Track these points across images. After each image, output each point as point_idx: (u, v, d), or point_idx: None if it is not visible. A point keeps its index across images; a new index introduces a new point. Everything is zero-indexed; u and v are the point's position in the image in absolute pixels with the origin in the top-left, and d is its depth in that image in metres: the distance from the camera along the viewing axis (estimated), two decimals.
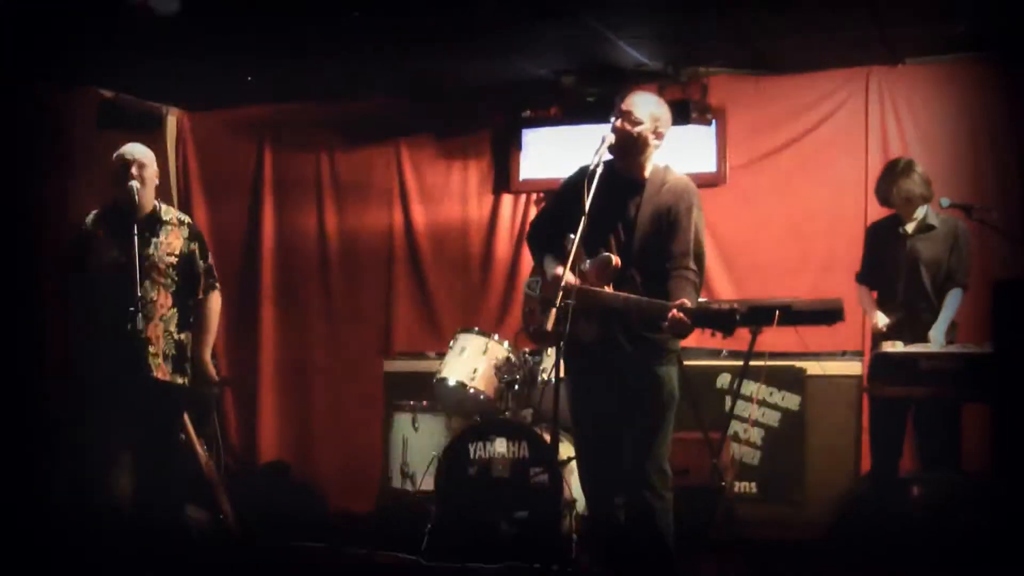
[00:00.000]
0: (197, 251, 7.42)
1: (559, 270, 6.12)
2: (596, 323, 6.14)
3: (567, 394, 6.30)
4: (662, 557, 6.25)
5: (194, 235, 7.46)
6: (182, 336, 7.34)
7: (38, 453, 8.81)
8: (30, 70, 9.31)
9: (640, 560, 6.26)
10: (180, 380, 7.36)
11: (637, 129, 6.17)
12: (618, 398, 6.27)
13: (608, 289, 6.08)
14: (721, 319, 5.82)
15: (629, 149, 6.22)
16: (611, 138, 6.21)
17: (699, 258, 6.23)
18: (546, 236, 6.50)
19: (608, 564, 6.53)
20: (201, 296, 7.52)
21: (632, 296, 6.06)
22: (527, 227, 9.36)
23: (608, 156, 6.19)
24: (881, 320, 7.79)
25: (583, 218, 5.90)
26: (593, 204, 6.01)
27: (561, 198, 6.49)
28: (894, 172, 7.85)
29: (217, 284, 7.63)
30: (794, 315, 7.80)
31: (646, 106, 6.24)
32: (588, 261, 6.11)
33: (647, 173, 6.29)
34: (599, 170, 6.08)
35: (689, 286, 6.08)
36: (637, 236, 6.19)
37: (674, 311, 5.78)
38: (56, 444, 8.58)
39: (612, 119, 6.24)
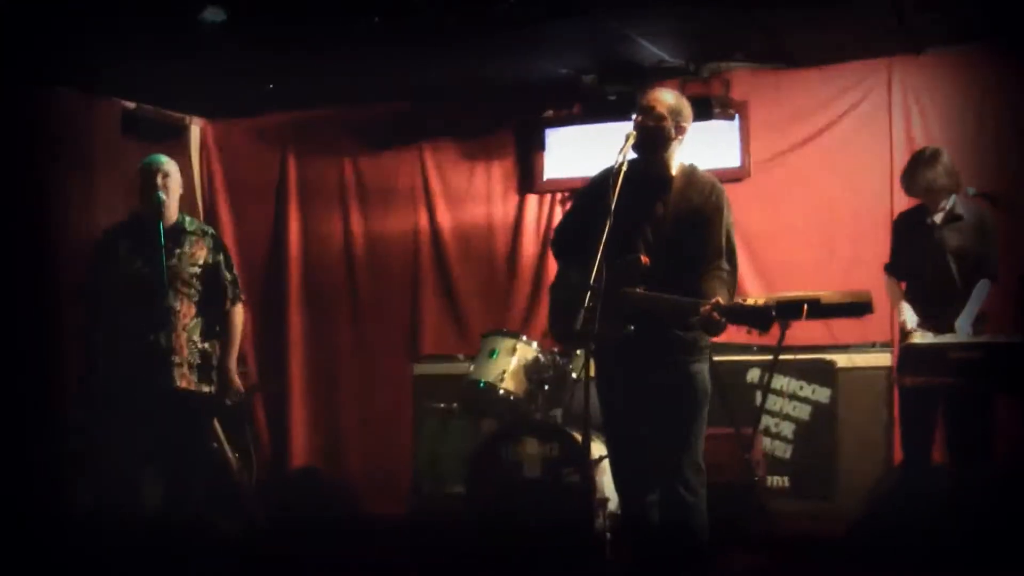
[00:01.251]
0: (222, 262, 7.44)
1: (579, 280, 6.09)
2: (627, 323, 6.10)
3: (598, 394, 6.29)
4: (696, 553, 6.24)
5: (218, 246, 7.49)
6: (206, 345, 7.37)
7: (63, 465, 8.85)
8: (52, 78, 9.37)
9: (674, 557, 6.26)
10: (206, 388, 7.38)
11: (660, 124, 6.16)
12: (650, 396, 6.22)
13: (640, 290, 6.07)
14: (757, 316, 5.79)
15: (652, 145, 6.19)
16: (635, 135, 6.21)
17: (732, 256, 6.21)
18: (570, 241, 6.49)
19: (641, 562, 6.53)
20: (227, 307, 7.54)
21: (664, 295, 6.03)
22: (553, 227, 9.46)
23: (632, 155, 6.18)
24: (910, 321, 7.73)
25: (608, 218, 5.88)
26: (619, 203, 5.97)
27: (586, 199, 6.47)
28: (919, 162, 7.81)
29: (242, 296, 7.66)
30: (823, 308, 7.76)
31: (666, 100, 6.21)
32: (617, 262, 6.09)
33: (673, 171, 6.26)
34: (624, 168, 6.07)
35: (722, 285, 6.05)
36: (665, 234, 6.16)
37: (706, 308, 5.77)
38: (81, 456, 8.61)
39: (634, 116, 6.23)
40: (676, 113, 6.20)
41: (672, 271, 6.12)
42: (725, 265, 6.15)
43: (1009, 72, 8.86)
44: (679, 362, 6.21)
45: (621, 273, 6.07)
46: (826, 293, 7.88)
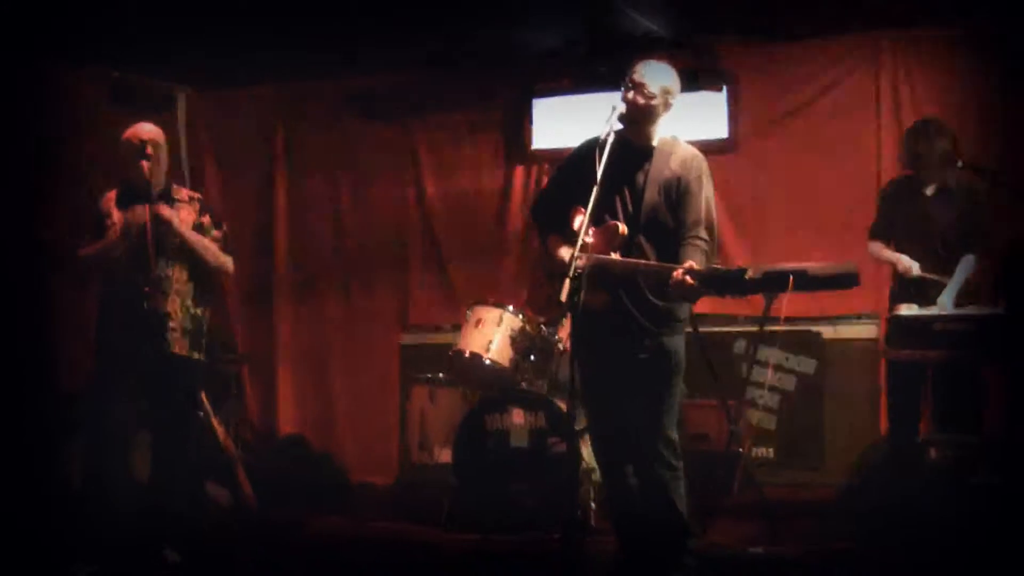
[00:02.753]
0: (209, 222, 7.39)
1: (563, 250, 6.15)
2: (605, 291, 6.11)
3: (576, 362, 6.28)
4: (675, 525, 6.26)
5: (204, 208, 7.45)
6: (199, 311, 7.34)
7: (57, 432, 8.86)
8: (42, 48, 9.33)
9: (654, 529, 6.28)
10: (197, 355, 7.36)
11: (650, 102, 6.13)
12: (624, 367, 6.24)
13: (615, 256, 6.06)
14: (731, 281, 5.76)
15: (640, 120, 6.17)
16: (622, 108, 6.19)
17: (710, 227, 6.20)
18: (552, 209, 6.47)
19: (622, 533, 6.55)
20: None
21: (640, 261, 6.06)
22: None
23: (619, 126, 6.16)
24: (914, 267, 7.69)
25: (595, 187, 5.87)
26: (603, 173, 5.96)
27: (569, 169, 6.46)
28: (927, 132, 7.69)
29: (232, 253, 7.59)
30: (809, 280, 7.75)
31: (658, 78, 6.16)
32: (594, 229, 6.09)
33: (655, 142, 6.26)
34: (610, 139, 6.06)
35: (699, 253, 6.04)
36: (645, 204, 6.16)
37: (678, 272, 5.74)
38: (75, 422, 8.62)
39: (623, 90, 6.20)
40: (666, 91, 6.17)
41: (650, 240, 6.14)
42: (703, 234, 6.13)
43: (999, 49, 8.86)
44: (653, 334, 6.21)
45: (599, 240, 6.09)
46: (813, 265, 7.86)
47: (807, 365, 9.33)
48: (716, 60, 9.50)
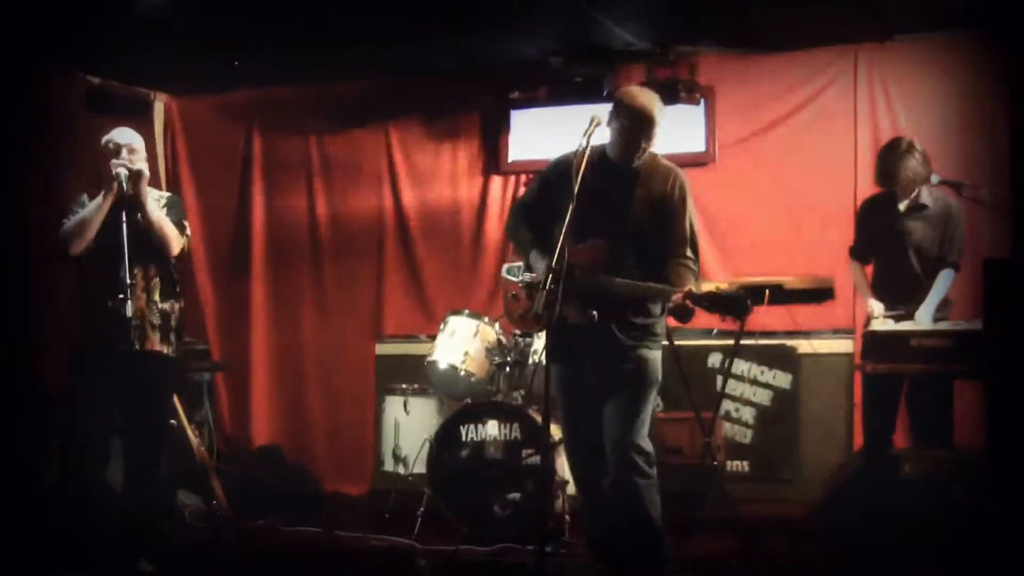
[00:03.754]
0: (168, 213, 7.32)
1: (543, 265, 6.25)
2: (585, 306, 6.20)
3: (554, 375, 6.31)
4: (650, 534, 6.36)
5: (169, 203, 7.42)
6: (165, 306, 7.32)
7: (30, 438, 8.86)
8: (18, 54, 9.31)
9: (628, 538, 6.36)
10: (167, 350, 7.33)
11: (647, 133, 6.26)
12: (603, 379, 6.38)
13: (617, 279, 6.18)
14: (733, 304, 5.94)
15: (633, 147, 6.30)
16: (599, 119, 6.25)
17: (695, 246, 6.36)
18: (529, 222, 6.56)
19: (597, 543, 6.58)
20: None
21: (637, 283, 6.17)
22: None
23: (596, 139, 6.22)
24: (877, 310, 7.77)
25: (571, 202, 5.90)
26: (584, 188, 6.03)
27: (547, 182, 6.54)
28: (898, 151, 7.79)
29: (186, 233, 7.50)
30: (785, 294, 7.76)
31: (654, 114, 6.27)
32: (580, 246, 6.12)
33: (638, 160, 6.35)
34: (587, 154, 6.12)
35: (689, 273, 6.22)
36: (632, 222, 6.29)
37: (679, 296, 5.90)
38: (48, 428, 8.61)
39: (613, 116, 6.29)
40: (657, 124, 6.27)
41: (636, 258, 6.26)
42: (690, 254, 6.30)
43: (978, 62, 8.91)
44: (633, 347, 6.35)
45: (585, 258, 6.17)
46: (789, 279, 7.88)
47: (782, 379, 9.36)
48: (694, 72, 9.52)
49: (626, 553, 6.41)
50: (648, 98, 6.33)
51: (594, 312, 6.22)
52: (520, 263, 6.82)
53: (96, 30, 8.64)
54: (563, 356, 6.36)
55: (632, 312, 6.27)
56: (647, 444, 6.36)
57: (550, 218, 6.31)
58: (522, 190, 9.88)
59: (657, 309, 6.37)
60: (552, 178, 6.45)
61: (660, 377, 6.48)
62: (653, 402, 6.49)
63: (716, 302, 5.94)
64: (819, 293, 7.91)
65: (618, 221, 6.30)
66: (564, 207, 5.97)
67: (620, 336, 6.31)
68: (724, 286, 6.03)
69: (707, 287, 5.99)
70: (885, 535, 6.91)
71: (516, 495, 8.00)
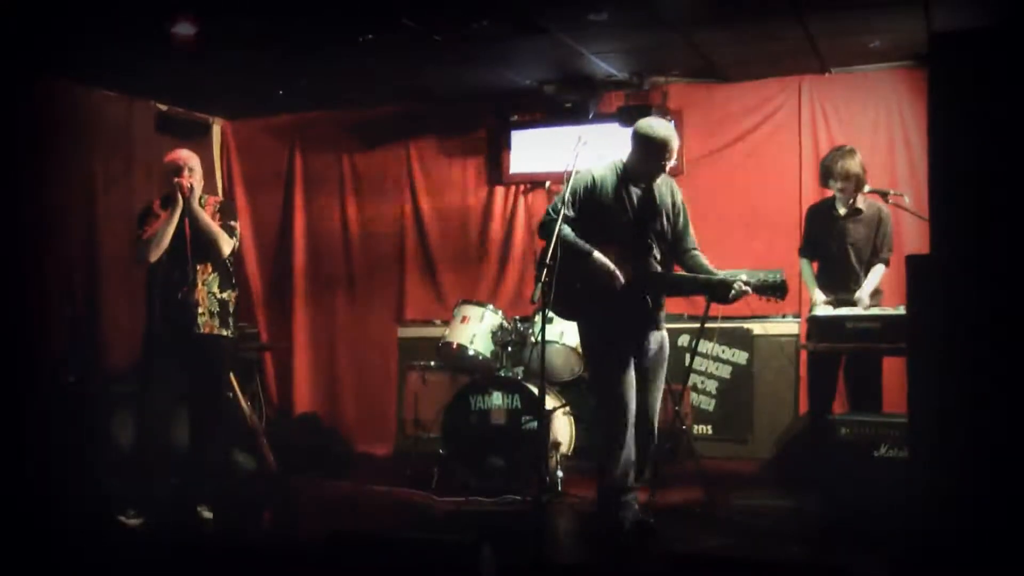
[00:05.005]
0: (219, 216, 7.37)
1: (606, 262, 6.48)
2: (646, 295, 6.62)
3: (603, 338, 6.65)
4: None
5: (222, 207, 7.46)
6: (224, 295, 7.36)
7: (107, 405, 8.94)
8: (97, 81, 9.48)
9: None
10: (226, 332, 7.39)
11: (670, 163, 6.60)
12: (647, 349, 6.71)
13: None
14: (778, 288, 6.39)
15: (657, 172, 6.65)
16: (585, 138, 6.41)
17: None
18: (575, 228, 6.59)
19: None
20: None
21: (697, 276, 6.64)
22: (518, 214, 10.06)
23: (584, 154, 6.47)
24: (819, 299, 7.82)
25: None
26: (619, 201, 6.52)
27: (575, 194, 6.57)
28: (840, 153, 7.87)
29: (235, 235, 7.55)
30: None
31: (676, 146, 6.59)
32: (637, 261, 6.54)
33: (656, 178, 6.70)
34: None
35: (706, 262, 6.70)
36: (659, 223, 6.64)
37: (740, 284, 6.34)
38: (123, 397, 8.68)
39: (661, 161, 6.55)
40: (675, 150, 6.59)
41: (662, 255, 6.71)
42: (697, 245, 6.83)
43: (899, 89, 9.05)
44: (661, 326, 6.75)
45: (640, 260, 6.56)
46: (747, 273, 7.91)
47: (740, 356, 9.41)
48: (665, 98, 9.55)
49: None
50: (665, 130, 6.54)
51: (648, 299, 6.58)
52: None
53: (164, 62, 8.68)
54: (621, 327, 6.61)
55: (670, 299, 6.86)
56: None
57: (592, 226, 6.55)
58: (520, 198, 10.03)
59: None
60: (586, 194, 6.60)
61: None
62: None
63: (765, 288, 6.40)
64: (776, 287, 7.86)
65: (652, 224, 6.63)
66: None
67: (657, 318, 6.72)
68: (761, 274, 6.45)
69: (743, 277, 6.42)
70: (823, 484, 6.97)
71: (517, 455, 8.06)
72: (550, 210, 6.60)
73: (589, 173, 6.62)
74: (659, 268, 6.65)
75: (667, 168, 6.57)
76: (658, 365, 6.74)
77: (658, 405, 6.82)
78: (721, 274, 6.53)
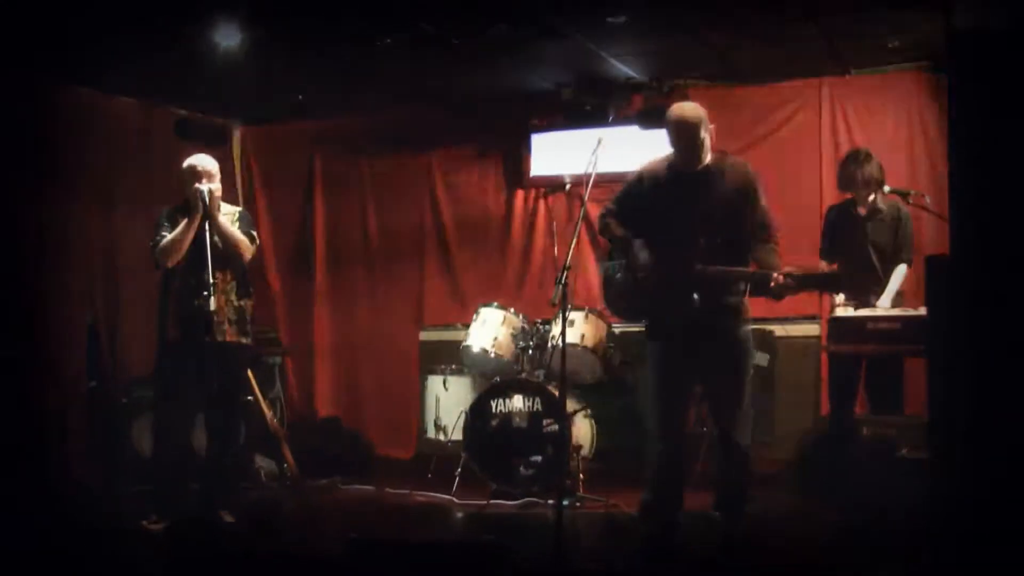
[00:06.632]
0: (237, 226, 7.40)
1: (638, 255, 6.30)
2: (692, 294, 6.11)
3: (654, 351, 6.37)
4: (744, 485, 6.46)
5: (240, 217, 7.50)
6: (242, 303, 7.40)
7: (125, 411, 8.98)
8: (116, 89, 9.55)
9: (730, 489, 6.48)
10: (244, 340, 7.43)
11: (696, 134, 6.21)
12: (707, 357, 6.27)
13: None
14: (829, 281, 6.17)
15: (692, 151, 6.23)
16: (604, 139, 6.37)
17: (772, 226, 6.27)
18: (620, 222, 6.50)
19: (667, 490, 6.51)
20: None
21: (736, 269, 6.11)
22: (538, 217, 10.05)
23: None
24: (839, 299, 7.80)
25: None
26: (662, 200, 6.20)
27: (628, 192, 6.51)
28: (858, 159, 7.84)
29: (255, 242, 7.59)
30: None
31: (694, 114, 6.27)
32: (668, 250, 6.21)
33: (705, 162, 6.27)
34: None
35: (776, 255, 6.14)
36: (708, 212, 6.13)
37: (779, 277, 5.85)
38: (142, 402, 8.72)
39: (668, 132, 6.28)
40: (702, 128, 6.23)
41: (715, 249, 6.11)
42: (775, 235, 6.23)
43: (920, 90, 9.01)
44: (729, 327, 6.23)
45: (679, 253, 6.15)
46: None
47: (762, 358, 9.34)
48: (685, 100, 9.55)
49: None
50: (690, 110, 6.28)
51: (696, 297, 6.08)
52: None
53: (185, 69, 8.73)
54: (667, 335, 6.31)
55: (722, 294, 6.16)
56: (749, 409, 6.41)
57: (640, 221, 6.36)
58: (540, 202, 10.06)
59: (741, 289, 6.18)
60: (632, 189, 6.45)
61: (753, 351, 6.47)
62: (749, 373, 6.36)
63: (811, 281, 6.01)
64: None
65: (697, 218, 6.12)
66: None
67: (717, 318, 6.18)
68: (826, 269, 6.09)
69: (788, 269, 5.93)
70: (845, 485, 6.95)
71: (538, 458, 8.06)
72: (603, 209, 6.62)
73: (638, 169, 6.49)
74: (709, 261, 6.07)
75: (700, 152, 6.23)
76: (718, 372, 6.31)
77: (737, 423, 6.32)
78: (821, 272, 6.26)
